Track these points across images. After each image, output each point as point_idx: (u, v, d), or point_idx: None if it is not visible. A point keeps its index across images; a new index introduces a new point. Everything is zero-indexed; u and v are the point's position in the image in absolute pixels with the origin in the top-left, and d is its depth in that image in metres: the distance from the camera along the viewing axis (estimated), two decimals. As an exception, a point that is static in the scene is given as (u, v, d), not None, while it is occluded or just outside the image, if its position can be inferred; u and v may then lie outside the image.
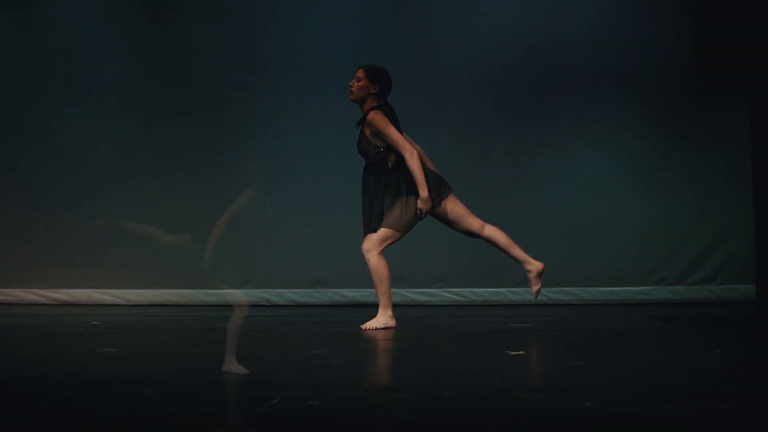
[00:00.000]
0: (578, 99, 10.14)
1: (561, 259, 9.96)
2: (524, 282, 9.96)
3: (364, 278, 10.06)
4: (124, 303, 10.43)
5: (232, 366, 5.18)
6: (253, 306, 10.28)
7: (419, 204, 7.65)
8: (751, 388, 4.84)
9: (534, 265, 7.79)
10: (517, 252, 7.84)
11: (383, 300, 7.74)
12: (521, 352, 6.21)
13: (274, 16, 10.48)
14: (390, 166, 7.76)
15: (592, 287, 10.04)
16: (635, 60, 10.06)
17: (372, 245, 7.77)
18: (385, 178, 7.74)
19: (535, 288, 7.80)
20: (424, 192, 7.61)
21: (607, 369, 5.48)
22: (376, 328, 7.65)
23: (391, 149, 7.70)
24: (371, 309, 9.73)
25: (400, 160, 7.71)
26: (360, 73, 7.79)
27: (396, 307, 9.86)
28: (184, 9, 10.60)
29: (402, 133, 7.75)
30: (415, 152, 7.64)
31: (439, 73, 10.19)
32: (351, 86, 7.78)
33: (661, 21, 10.05)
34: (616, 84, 10.05)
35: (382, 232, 7.76)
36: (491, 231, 7.85)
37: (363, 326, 7.73)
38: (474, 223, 7.86)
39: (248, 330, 7.58)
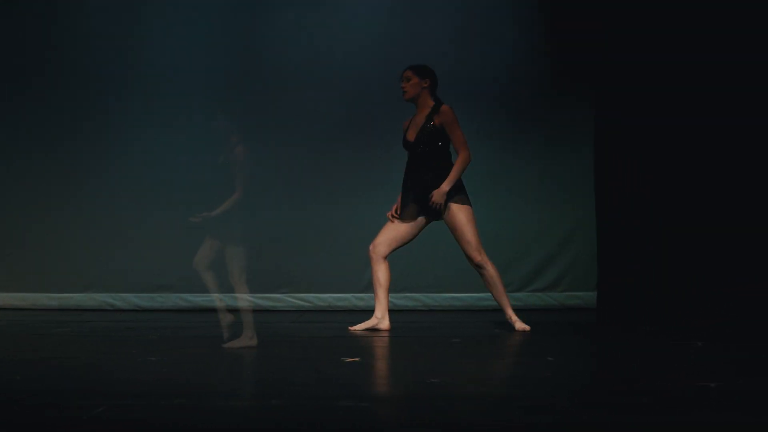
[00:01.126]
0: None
1: (406, 265, 10.13)
2: (369, 288, 10.12)
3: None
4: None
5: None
6: (95, 311, 10.25)
7: (434, 193, 7.81)
8: (567, 398, 5.03)
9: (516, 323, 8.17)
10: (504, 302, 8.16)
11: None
12: (357, 359, 6.33)
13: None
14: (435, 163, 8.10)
15: (436, 293, 10.22)
16: (479, 70, 10.26)
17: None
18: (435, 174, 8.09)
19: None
20: (447, 186, 7.97)
21: (436, 376, 5.63)
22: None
23: (446, 145, 8.10)
24: (214, 314, 9.78)
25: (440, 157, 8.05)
26: (408, 74, 8.31)
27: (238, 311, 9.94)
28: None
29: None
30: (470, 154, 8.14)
31: (290, 81, 10.26)
32: (403, 88, 8.28)
33: (506, 33, 10.28)
34: (462, 93, 10.23)
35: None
36: (489, 271, 8.12)
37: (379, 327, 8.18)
38: (474, 253, 8.12)
39: (86, 335, 7.59)
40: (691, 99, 9.25)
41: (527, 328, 8.09)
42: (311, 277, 10.17)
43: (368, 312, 9.90)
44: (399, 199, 8.34)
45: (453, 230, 8.25)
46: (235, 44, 10.35)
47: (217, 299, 7.27)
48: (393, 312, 9.95)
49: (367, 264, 10.09)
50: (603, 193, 10.05)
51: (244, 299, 6.79)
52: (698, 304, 9.21)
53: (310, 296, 10.17)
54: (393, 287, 10.11)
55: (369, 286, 10.13)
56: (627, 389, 5.28)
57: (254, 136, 10.13)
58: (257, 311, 9.94)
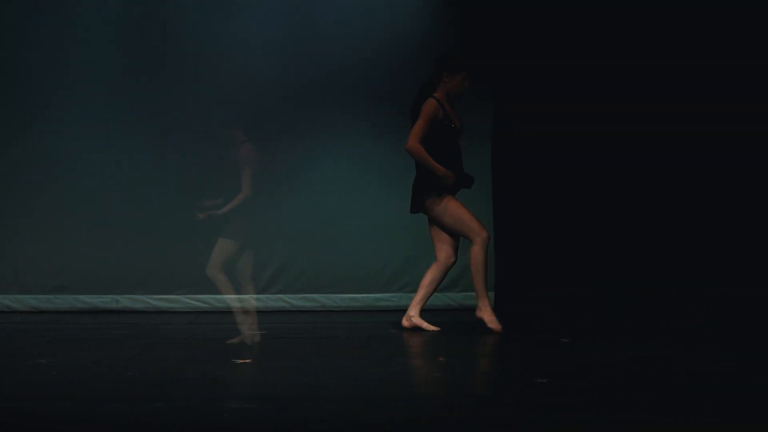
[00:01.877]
0: (326, 106, 10.38)
1: (304, 265, 10.22)
2: (268, 287, 10.20)
3: (106, 284, 10.16)
4: None
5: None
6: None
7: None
8: (453, 396, 5.17)
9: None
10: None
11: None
12: (248, 360, 6.42)
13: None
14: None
15: (334, 294, 10.31)
16: (383, 68, 10.34)
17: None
18: None
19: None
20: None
21: (326, 377, 5.75)
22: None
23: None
24: (112, 315, 9.82)
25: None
26: None
27: (137, 313, 9.99)
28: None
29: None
30: None
31: (202, 84, 10.27)
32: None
33: (402, 28, 10.37)
34: (356, 89, 10.31)
35: None
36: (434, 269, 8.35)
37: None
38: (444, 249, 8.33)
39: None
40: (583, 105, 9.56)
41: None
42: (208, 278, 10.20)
43: (266, 313, 9.98)
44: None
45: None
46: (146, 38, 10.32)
47: (233, 300, 7.26)
48: (289, 313, 10.05)
49: (266, 265, 10.20)
50: (500, 194, 10.25)
51: (251, 298, 6.82)
52: (587, 305, 9.46)
53: (208, 297, 10.21)
54: (290, 288, 10.21)
55: (267, 287, 10.21)
56: (516, 388, 5.44)
57: (157, 135, 10.16)
58: (154, 312, 9.99)
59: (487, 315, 8.23)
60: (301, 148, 10.27)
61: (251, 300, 7.14)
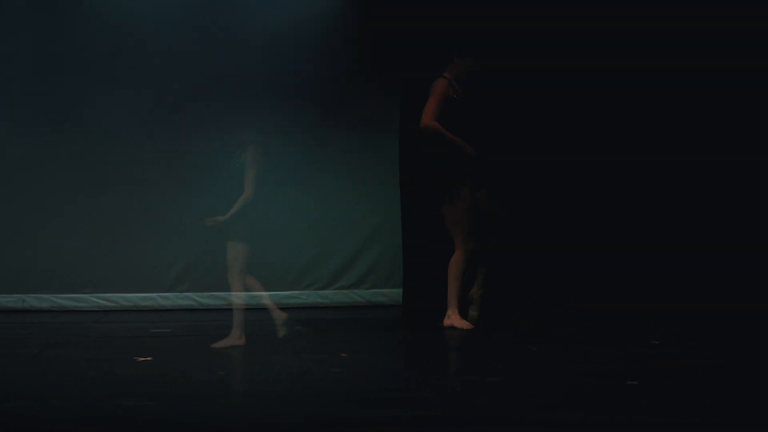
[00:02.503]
0: (235, 101, 10.40)
1: (211, 263, 10.22)
2: (174, 286, 10.23)
3: (12, 283, 10.12)
4: None
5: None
6: None
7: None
8: (345, 392, 5.28)
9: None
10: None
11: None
12: (149, 359, 6.48)
13: None
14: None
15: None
16: (288, 64, 10.39)
17: None
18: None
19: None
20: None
21: (225, 375, 5.83)
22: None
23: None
24: (17, 315, 9.80)
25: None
26: None
27: (42, 312, 9.98)
28: None
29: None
30: None
31: (98, 73, 10.26)
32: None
33: (313, 23, 10.42)
34: (268, 83, 10.34)
35: None
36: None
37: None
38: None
39: None
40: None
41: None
42: (115, 276, 10.21)
43: (173, 311, 10.02)
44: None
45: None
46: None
47: (265, 298, 7.21)
48: (197, 311, 10.08)
49: (173, 263, 10.23)
50: (407, 190, 10.34)
51: (240, 297, 6.78)
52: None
53: (115, 296, 10.23)
54: (198, 286, 10.24)
55: (175, 285, 10.24)
56: (412, 384, 5.57)
57: (64, 137, 10.13)
58: (61, 311, 9.99)
59: (456, 322, 8.22)
60: (207, 145, 10.28)
61: (239, 299, 7.12)
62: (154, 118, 10.20)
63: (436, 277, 9.65)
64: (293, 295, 10.35)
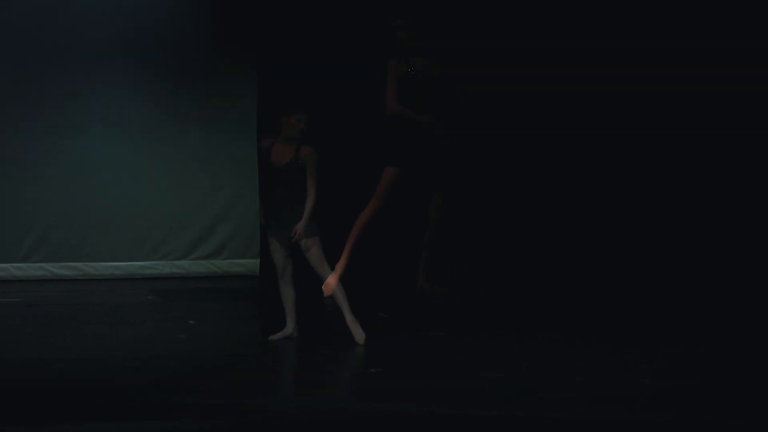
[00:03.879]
0: (94, 75, 10.38)
1: (66, 233, 10.23)
2: (28, 256, 10.20)
3: None
4: None
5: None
6: None
7: None
8: (179, 360, 5.41)
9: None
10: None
11: None
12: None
13: None
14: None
15: (96, 262, 10.35)
16: (141, 33, 10.39)
17: None
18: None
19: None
20: None
21: (61, 346, 5.91)
22: None
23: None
24: None
25: None
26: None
27: None
28: None
29: None
30: None
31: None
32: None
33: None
34: (122, 51, 10.34)
35: None
36: None
37: None
38: None
39: None
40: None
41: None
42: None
43: (26, 282, 10.01)
44: None
45: None
46: None
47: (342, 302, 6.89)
48: (50, 282, 10.09)
49: (28, 232, 10.21)
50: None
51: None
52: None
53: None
54: (52, 256, 10.24)
55: (28, 256, 10.21)
56: (256, 351, 5.71)
57: None
58: None
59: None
60: (64, 116, 10.27)
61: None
62: (11, 86, 10.16)
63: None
64: (149, 265, 10.41)
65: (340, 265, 7.19)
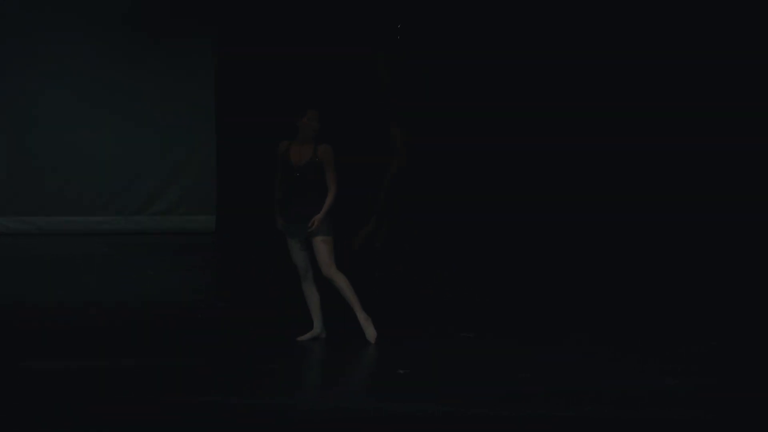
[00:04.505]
0: (46, 36, 10.33)
1: (21, 186, 10.18)
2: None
3: None
4: None
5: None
6: None
7: None
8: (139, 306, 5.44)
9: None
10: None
11: None
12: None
13: None
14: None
15: (50, 216, 10.30)
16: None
17: None
18: None
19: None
20: None
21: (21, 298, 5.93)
22: None
23: None
24: None
25: None
26: None
27: None
28: None
29: None
30: None
31: None
32: None
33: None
34: (81, 12, 10.29)
35: None
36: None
37: None
38: None
39: None
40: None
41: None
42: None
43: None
44: None
45: None
46: None
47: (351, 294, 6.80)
48: (4, 236, 10.05)
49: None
50: (224, 118, 10.41)
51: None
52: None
53: None
54: (5, 210, 10.20)
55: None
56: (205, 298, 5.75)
57: None
58: None
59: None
60: (18, 73, 10.23)
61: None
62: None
63: (249, 205, 9.74)
64: (104, 220, 10.38)
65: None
